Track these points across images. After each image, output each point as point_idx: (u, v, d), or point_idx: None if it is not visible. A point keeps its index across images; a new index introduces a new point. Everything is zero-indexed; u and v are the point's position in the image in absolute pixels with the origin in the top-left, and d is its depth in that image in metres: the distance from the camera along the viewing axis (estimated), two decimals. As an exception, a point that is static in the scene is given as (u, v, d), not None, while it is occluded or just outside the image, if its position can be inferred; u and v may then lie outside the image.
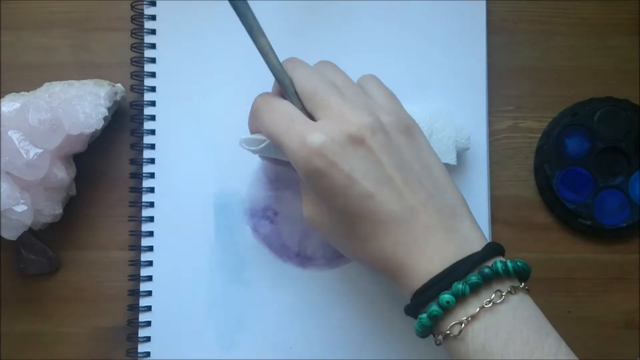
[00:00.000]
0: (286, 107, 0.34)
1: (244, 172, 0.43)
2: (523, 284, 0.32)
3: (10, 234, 0.40)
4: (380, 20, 0.44)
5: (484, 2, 0.44)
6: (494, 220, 0.44)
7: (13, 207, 0.39)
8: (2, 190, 0.38)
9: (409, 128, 0.35)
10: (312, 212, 0.36)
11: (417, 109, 0.40)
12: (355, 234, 0.33)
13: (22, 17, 0.45)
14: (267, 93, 0.36)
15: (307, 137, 0.32)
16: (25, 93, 0.42)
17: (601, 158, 0.44)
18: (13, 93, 0.42)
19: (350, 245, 0.35)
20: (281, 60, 0.35)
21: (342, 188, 0.32)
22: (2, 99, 0.41)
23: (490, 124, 0.44)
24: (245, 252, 0.43)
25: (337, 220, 0.34)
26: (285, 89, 0.35)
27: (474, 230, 0.33)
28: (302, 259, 0.43)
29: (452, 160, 0.41)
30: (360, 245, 0.34)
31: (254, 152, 0.37)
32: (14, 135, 0.39)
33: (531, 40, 0.45)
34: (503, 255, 0.33)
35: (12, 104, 0.40)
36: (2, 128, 0.39)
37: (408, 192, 0.32)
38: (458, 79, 0.44)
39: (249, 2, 0.34)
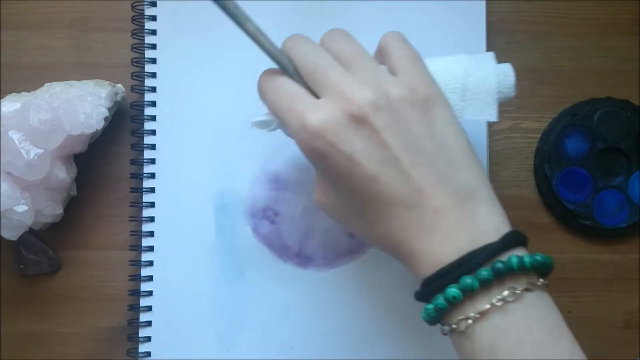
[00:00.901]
0: (288, 85, 0.32)
1: (244, 173, 0.43)
2: (541, 280, 0.30)
3: (11, 234, 0.40)
4: (380, 19, 0.44)
5: (484, 2, 0.44)
6: (494, 220, 0.44)
7: (14, 207, 0.39)
8: (2, 190, 0.38)
9: (425, 100, 0.32)
10: (322, 195, 0.34)
11: (450, 65, 0.37)
12: (365, 216, 0.32)
13: (22, 17, 0.45)
14: (270, 70, 0.34)
15: (306, 117, 0.30)
16: (26, 93, 0.42)
17: (601, 158, 0.44)
18: (13, 93, 0.42)
19: (361, 227, 0.33)
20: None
21: (345, 170, 0.31)
22: (2, 99, 0.41)
23: (490, 124, 0.44)
24: (246, 252, 0.43)
25: (347, 202, 0.32)
26: (284, 69, 0.33)
27: (493, 215, 0.31)
28: (302, 259, 0.43)
29: (492, 117, 0.36)
30: (370, 227, 0.32)
31: (270, 130, 0.36)
32: (15, 136, 0.39)
33: (531, 40, 0.45)
34: (525, 245, 0.31)
35: (12, 104, 0.40)
36: (2, 128, 0.39)
37: (416, 174, 0.30)
38: (458, 79, 0.44)
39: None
